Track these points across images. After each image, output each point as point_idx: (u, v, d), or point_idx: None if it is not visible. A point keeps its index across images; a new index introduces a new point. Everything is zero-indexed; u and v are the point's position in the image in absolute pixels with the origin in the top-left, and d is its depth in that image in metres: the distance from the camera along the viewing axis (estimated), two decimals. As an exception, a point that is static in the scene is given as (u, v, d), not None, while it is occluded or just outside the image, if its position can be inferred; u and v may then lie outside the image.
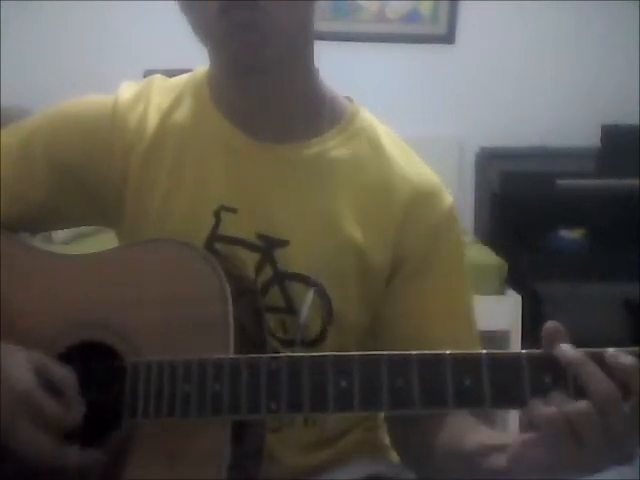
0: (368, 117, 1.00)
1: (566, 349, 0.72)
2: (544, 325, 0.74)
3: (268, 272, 0.93)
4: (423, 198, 0.96)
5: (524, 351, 0.73)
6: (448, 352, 0.75)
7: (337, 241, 0.94)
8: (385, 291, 0.97)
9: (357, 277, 0.95)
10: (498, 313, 2.69)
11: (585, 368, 0.71)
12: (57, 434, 0.82)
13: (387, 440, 1.10)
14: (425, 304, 0.96)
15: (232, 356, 0.80)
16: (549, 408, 0.70)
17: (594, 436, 0.69)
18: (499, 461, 0.78)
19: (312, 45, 0.95)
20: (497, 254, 2.97)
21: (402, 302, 0.96)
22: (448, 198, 0.98)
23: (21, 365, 0.83)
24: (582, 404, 0.69)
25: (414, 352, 0.76)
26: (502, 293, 2.91)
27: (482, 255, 2.92)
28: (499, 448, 0.79)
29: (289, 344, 0.94)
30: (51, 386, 0.83)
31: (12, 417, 0.81)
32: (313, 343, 0.95)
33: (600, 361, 0.71)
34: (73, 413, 0.82)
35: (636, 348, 0.72)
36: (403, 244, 0.95)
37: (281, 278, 0.93)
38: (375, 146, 0.98)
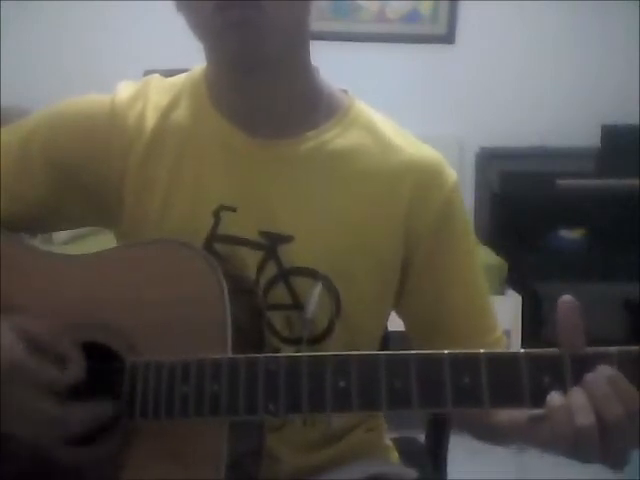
0: (363, 106, 1.00)
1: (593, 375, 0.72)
2: (560, 298, 0.74)
3: (272, 269, 0.93)
4: (428, 178, 0.96)
5: (522, 350, 0.74)
6: (446, 352, 0.75)
7: (343, 233, 0.94)
8: (404, 279, 0.97)
9: (366, 268, 0.95)
10: (498, 313, 2.68)
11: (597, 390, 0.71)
12: (59, 395, 0.82)
13: (387, 441, 1.10)
14: (446, 284, 0.98)
15: (230, 356, 0.80)
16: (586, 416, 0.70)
17: (593, 449, 0.71)
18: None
19: (308, 43, 0.95)
20: (497, 254, 2.97)
21: (425, 291, 0.98)
22: (452, 173, 0.98)
23: (5, 335, 0.82)
24: (590, 421, 0.70)
25: (412, 352, 0.76)
26: (502, 293, 2.91)
27: (482, 255, 2.91)
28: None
29: (294, 342, 0.94)
30: (41, 348, 0.82)
31: (9, 390, 0.80)
32: (319, 339, 0.95)
33: (605, 361, 0.72)
34: (72, 368, 0.82)
35: (636, 347, 0.72)
36: (414, 227, 0.95)
37: (286, 274, 0.93)
38: (373, 133, 0.98)
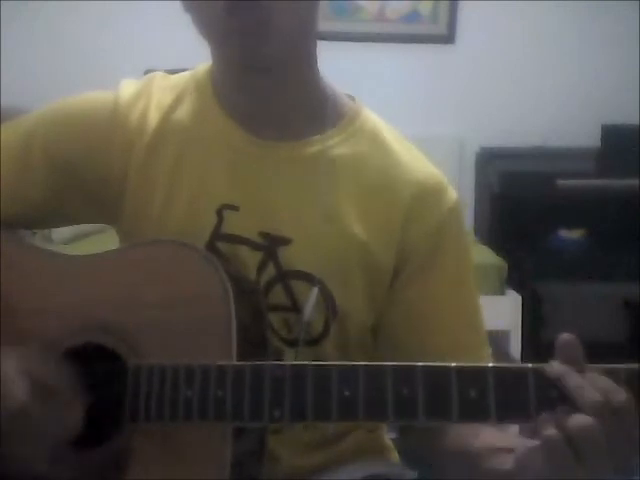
0: (370, 115, 1.00)
1: (553, 364, 0.72)
2: (559, 337, 0.73)
3: (271, 270, 0.93)
4: (428, 195, 0.96)
5: (530, 365, 0.73)
6: (454, 364, 0.74)
7: (340, 238, 0.93)
8: (389, 292, 0.96)
9: (361, 274, 0.95)
10: (498, 313, 2.70)
11: (569, 381, 0.70)
12: (55, 444, 0.81)
13: (387, 441, 1.10)
14: (430, 306, 0.96)
15: (235, 362, 0.80)
16: (550, 429, 0.70)
17: (593, 451, 0.69)
18: (503, 463, 0.79)
19: (315, 45, 0.95)
20: (497, 254, 2.98)
21: (406, 304, 0.96)
22: (453, 195, 0.98)
23: (14, 373, 0.81)
24: (580, 418, 0.69)
25: (419, 363, 0.75)
26: (502, 293, 2.92)
27: (482, 255, 2.92)
28: (502, 450, 0.80)
29: (292, 343, 0.94)
30: (47, 389, 0.81)
31: (8, 430, 0.79)
32: (316, 341, 0.95)
33: (612, 377, 0.71)
34: (71, 418, 0.82)
35: (636, 365, 0.71)
36: (407, 241, 0.95)
37: (284, 276, 0.93)
38: (378, 143, 0.98)
